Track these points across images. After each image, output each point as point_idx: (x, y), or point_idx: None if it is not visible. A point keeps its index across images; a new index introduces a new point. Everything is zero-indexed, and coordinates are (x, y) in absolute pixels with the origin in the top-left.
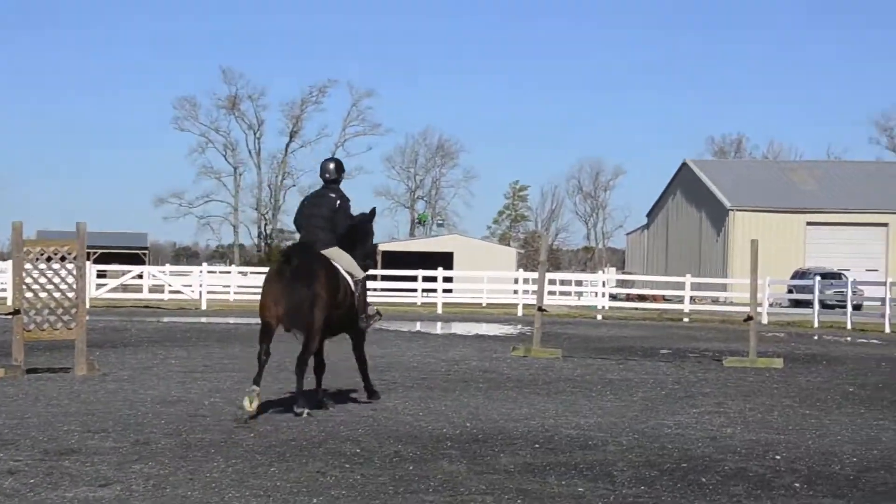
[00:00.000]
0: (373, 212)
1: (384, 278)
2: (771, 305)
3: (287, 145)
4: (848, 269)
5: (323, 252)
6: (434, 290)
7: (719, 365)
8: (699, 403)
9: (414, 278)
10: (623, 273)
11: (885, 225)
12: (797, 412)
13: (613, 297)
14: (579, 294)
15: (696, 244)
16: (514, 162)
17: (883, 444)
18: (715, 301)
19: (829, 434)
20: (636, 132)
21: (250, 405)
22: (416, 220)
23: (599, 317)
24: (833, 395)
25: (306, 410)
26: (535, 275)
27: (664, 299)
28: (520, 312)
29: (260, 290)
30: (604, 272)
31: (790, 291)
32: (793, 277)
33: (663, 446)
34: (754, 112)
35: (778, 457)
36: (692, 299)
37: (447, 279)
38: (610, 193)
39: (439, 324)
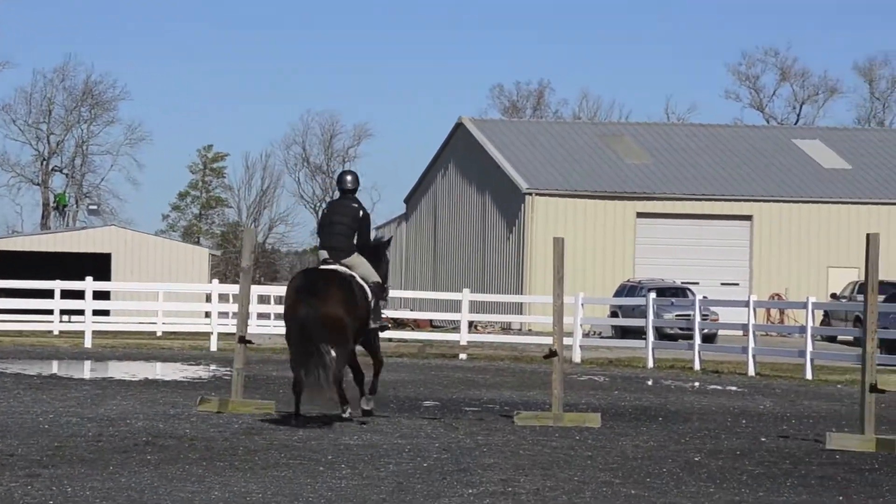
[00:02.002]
0: (389, 240)
1: None
2: (586, 335)
3: None
4: (696, 283)
5: (343, 261)
6: (80, 312)
7: (509, 423)
8: (477, 481)
9: (48, 293)
10: None
11: (749, 218)
12: (619, 492)
13: None
14: None
15: (479, 244)
16: (204, 119)
17: None
18: (506, 328)
19: None
20: (388, 77)
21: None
22: (53, 205)
23: None
24: (671, 466)
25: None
26: (238, 288)
27: (431, 325)
28: (214, 345)
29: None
30: None
31: (614, 315)
32: (617, 294)
33: None
34: (560, 52)
35: None
36: (472, 326)
37: (101, 294)
38: (351, 166)
39: (88, 363)
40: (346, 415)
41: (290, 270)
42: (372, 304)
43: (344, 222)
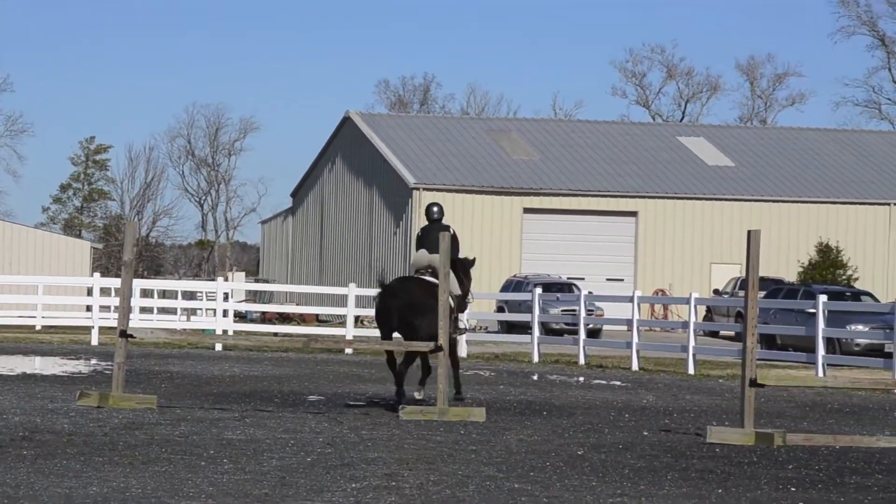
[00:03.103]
0: (473, 260)
1: None
2: (473, 329)
3: None
4: (582, 278)
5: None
6: None
7: (394, 418)
8: (361, 475)
9: None
10: (257, 281)
11: (634, 214)
12: (502, 486)
13: (241, 317)
14: (189, 312)
15: (366, 238)
16: (86, 110)
17: None
18: None
19: None
20: (275, 70)
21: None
22: None
23: (219, 346)
24: (555, 460)
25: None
26: (119, 282)
27: (317, 320)
28: (94, 340)
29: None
30: (227, 279)
31: (500, 310)
32: (504, 289)
33: None
34: (446, 47)
35: None
36: (359, 320)
37: None
38: (236, 160)
39: None
40: (420, 395)
41: (173, 264)
42: (453, 313)
43: (437, 238)
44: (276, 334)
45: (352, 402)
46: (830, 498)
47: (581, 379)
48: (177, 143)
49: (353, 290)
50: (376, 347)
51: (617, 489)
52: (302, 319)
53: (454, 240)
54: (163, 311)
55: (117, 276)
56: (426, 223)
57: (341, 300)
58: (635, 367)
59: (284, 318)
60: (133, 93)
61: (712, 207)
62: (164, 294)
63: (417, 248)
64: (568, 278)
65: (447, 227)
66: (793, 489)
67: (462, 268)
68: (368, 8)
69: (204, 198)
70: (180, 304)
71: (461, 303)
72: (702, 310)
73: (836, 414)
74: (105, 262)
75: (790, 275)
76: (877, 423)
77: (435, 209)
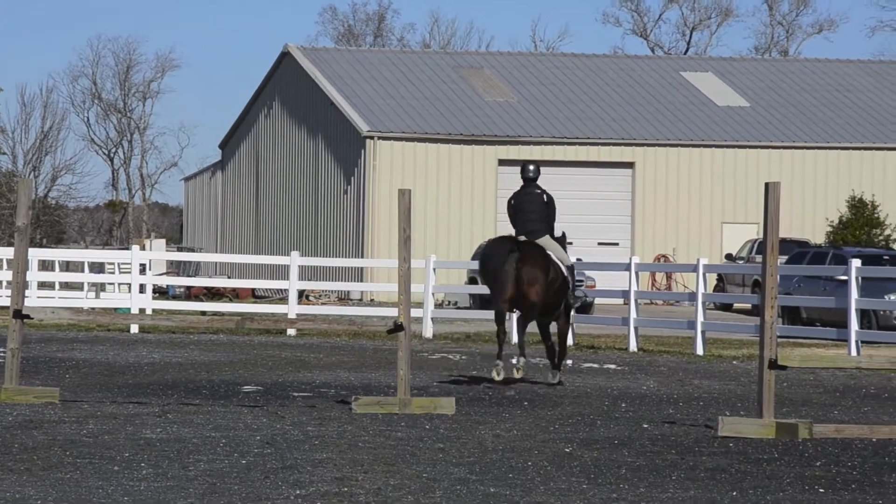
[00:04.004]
0: (564, 234)
1: None
2: (439, 305)
3: None
4: (570, 243)
5: (537, 241)
6: None
7: (346, 411)
8: (307, 480)
9: None
10: (180, 250)
11: (630, 166)
12: (476, 490)
13: (162, 293)
14: (98, 288)
15: (311, 198)
16: None
17: None
18: (343, 299)
19: None
20: None
21: (498, 376)
22: None
23: (135, 328)
24: (538, 459)
25: (522, 360)
26: (12, 252)
27: (253, 295)
28: None
29: (487, 279)
30: (144, 248)
31: (472, 281)
32: (476, 257)
33: None
34: None
35: None
36: (303, 295)
37: None
38: (153, 105)
39: None
40: (520, 364)
41: (78, 231)
42: (569, 282)
43: (534, 209)
44: (203, 313)
45: (295, 393)
46: (866, 500)
47: (569, 362)
48: (80, 85)
49: (295, 260)
50: (323, 328)
51: (612, 492)
52: (235, 295)
53: (550, 204)
54: (66, 286)
55: (10, 244)
56: (520, 186)
57: (282, 272)
58: (633, 347)
59: (214, 294)
60: (26, 24)
61: (723, 156)
62: (67, 266)
63: (513, 220)
64: None
65: (539, 189)
66: (821, 490)
67: (561, 243)
68: None
69: (114, 150)
70: (87, 278)
71: (573, 273)
72: (712, 278)
73: (872, 400)
74: None
75: (817, 236)
76: None
77: (531, 167)
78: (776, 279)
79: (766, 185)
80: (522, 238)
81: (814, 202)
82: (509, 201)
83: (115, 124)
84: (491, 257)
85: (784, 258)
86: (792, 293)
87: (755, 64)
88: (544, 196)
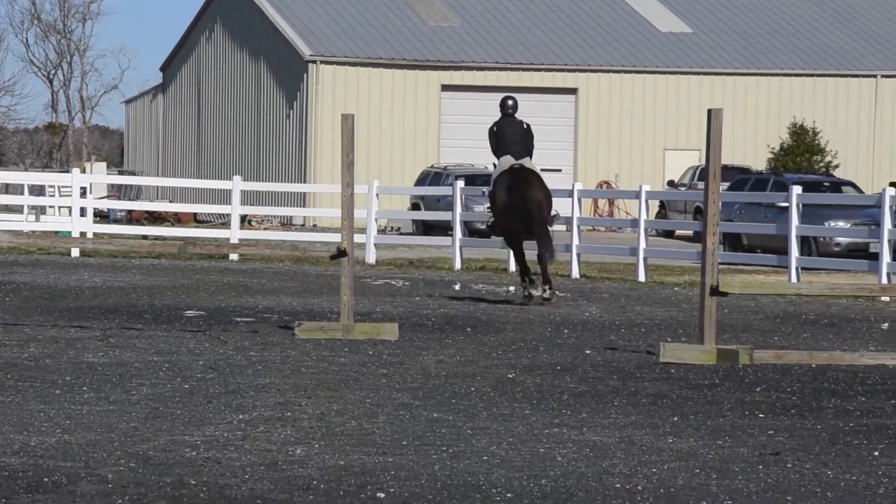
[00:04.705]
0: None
1: None
2: (382, 231)
3: None
4: None
5: (527, 166)
6: None
7: (289, 336)
8: (250, 404)
9: None
10: (121, 173)
11: (573, 92)
12: (419, 416)
13: (103, 217)
14: (38, 211)
15: (253, 122)
16: None
17: (557, 469)
18: (286, 224)
19: (468, 452)
20: None
21: (536, 291)
22: None
23: (76, 252)
24: (480, 384)
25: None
26: None
27: (195, 220)
28: None
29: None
30: (85, 171)
31: (415, 207)
32: (419, 182)
33: (181, 482)
34: None
35: (381, 495)
36: (246, 220)
37: None
38: (93, 26)
39: None
40: (548, 294)
41: (17, 153)
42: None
43: (515, 133)
44: (145, 237)
45: (238, 318)
46: (805, 425)
47: (511, 289)
48: (18, 5)
49: (238, 185)
50: (266, 253)
51: (554, 418)
52: (177, 219)
53: (529, 132)
54: (5, 209)
55: None
56: (499, 117)
57: (224, 196)
58: (575, 273)
59: (155, 218)
60: None
61: (666, 82)
62: (6, 189)
63: (494, 148)
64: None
65: (521, 123)
66: (761, 415)
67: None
68: None
69: (54, 72)
70: (27, 200)
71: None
72: (654, 205)
73: (811, 326)
74: None
75: (758, 163)
76: (859, 336)
77: (510, 102)
78: (718, 206)
79: (709, 111)
80: (518, 165)
81: (755, 129)
82: (491, 129)
83: (54, 45)
84: (509, 186)
85: (726, 185)
86: (733, 220)
87: None
88: (524, 124)
